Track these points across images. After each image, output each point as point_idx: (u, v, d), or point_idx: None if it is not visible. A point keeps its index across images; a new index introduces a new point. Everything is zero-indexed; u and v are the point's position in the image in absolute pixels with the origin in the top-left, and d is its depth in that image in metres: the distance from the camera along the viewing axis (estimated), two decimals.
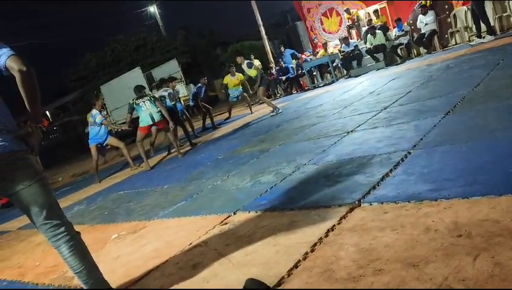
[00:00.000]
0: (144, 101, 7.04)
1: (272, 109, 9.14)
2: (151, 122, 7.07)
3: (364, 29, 12.64)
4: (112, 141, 7.71)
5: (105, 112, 7.55)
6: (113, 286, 2.28)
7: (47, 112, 29.45)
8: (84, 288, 2.10)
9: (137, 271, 2.62)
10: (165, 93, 8.56)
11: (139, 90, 7.30)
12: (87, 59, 24.42)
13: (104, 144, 7.83)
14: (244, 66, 9.46)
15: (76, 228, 2.17)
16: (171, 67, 17.72)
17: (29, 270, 3.50)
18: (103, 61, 24.15)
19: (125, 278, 2.57)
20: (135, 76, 16.45)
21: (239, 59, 9.44)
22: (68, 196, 7.14)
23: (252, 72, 9.24)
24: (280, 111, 8.85)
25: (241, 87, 11.21)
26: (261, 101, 9.81)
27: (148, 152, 8.49)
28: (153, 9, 29.65)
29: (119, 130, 7.86)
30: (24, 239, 4.76)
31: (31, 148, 2.04)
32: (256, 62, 13.48)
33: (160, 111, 7.09)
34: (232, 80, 11.20)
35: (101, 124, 7.46)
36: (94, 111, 7.50)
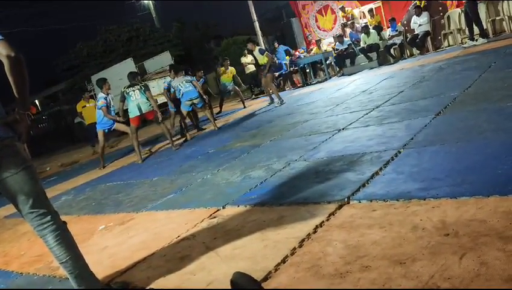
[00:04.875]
0: (133, 90, 6.83)
1: (271, 100, 9.35)
2: (139, 113, 6.86)
3: (348, 30, 12.84)
4: (120, 126, 7.48)
5: (110, 97, 7.22)
6: (99, 276, 2.26)
7: (36, 101, 29.13)
8: (70, 278, 2.08)
9: (124, 263, 2.60)
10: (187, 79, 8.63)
11: (132, 78, 7.08)
12: (79, 48, 24.11)
13: (112, 129, 7.61)
14: (256, 53, 9.54)
15: (63, 218, 2.14)
16: (164, 60, 17.59)
17: (14, 259, 3.46)
18: (95, 50, 23.86)
19: (111, 270, 2.56)
20: (127, 67, 16.30)
21: (250, 45, 9.60)
22: (56, 185, 7.07)
23: (264, 59, 9.30)
24: (284, 102, 9.00)
25: (232, 81, 11.25)
26: (269, 89, 9.83)
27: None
28: (147, 0, 29.37)
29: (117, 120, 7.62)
30: (10, 228, 4.71)
31: (19, 136, 2.00)
32: (249, 57, 13.47)
33: (149, 101, 6.89)
34: (225, 73, 11.22)
35: (100, 109, 7.17)
36: (100, 94, 7.23)
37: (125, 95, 6.88)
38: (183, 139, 8.17)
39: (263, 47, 16.09)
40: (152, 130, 12.24)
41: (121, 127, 7.50)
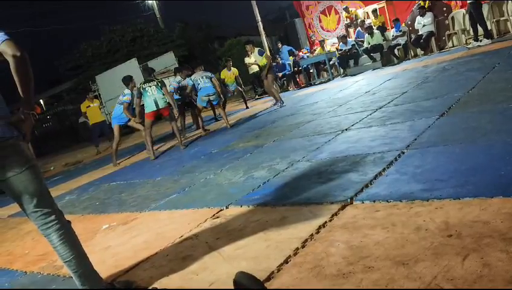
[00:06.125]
0: (150, 86, 6.84)
1: (276, 101, 9.25)
2: (155, 108, 6.85)
3: (353, 30, 12.82)
4: (134, 123, 7.53)
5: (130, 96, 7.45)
6: (102, 276, 2.27)
7: (41, 101, 29.23)
8: (73, 277, 2.09)
9: (127, 262, 2.61)
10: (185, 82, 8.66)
11: (148, 74, 7.11)
12: (83, 48, 24.19)
13: (127, 124, 7.70)
14: (255, 54, 9.43)
15: (67, 217, 2.15)
16: (168, 60, 17.66)
17: (18, 258, 3.48)
18: (99, 51, 23.92)
19: (114, 269, 2.57)
20: (131, 67, 16.35)
21: (249, 48, 9.47)
22: (60, 185, 7.10)
23: (263, 60, 9.22)
24: (284, 104, 8.89)
25: (235, 82, 11.25)
26: (272, 90, 9.70)
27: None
28: (151, 1, 29.41)
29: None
30: (14, 227, 4.73)
31: (23, 135, 2.01)
32: (253, 58, 13.47)
33: (165, 97, 6.92)
34: (228, 75, 11.22)
35: (121, 104, 7.24)
36: (126, 90, 7.28)
37: (142, 90, 6.88)
38: (205, 132, 8.20)
39: (266, 47, 16.13)
40: (160, 128, 12.27)
41: (135, 124, 7.55)
